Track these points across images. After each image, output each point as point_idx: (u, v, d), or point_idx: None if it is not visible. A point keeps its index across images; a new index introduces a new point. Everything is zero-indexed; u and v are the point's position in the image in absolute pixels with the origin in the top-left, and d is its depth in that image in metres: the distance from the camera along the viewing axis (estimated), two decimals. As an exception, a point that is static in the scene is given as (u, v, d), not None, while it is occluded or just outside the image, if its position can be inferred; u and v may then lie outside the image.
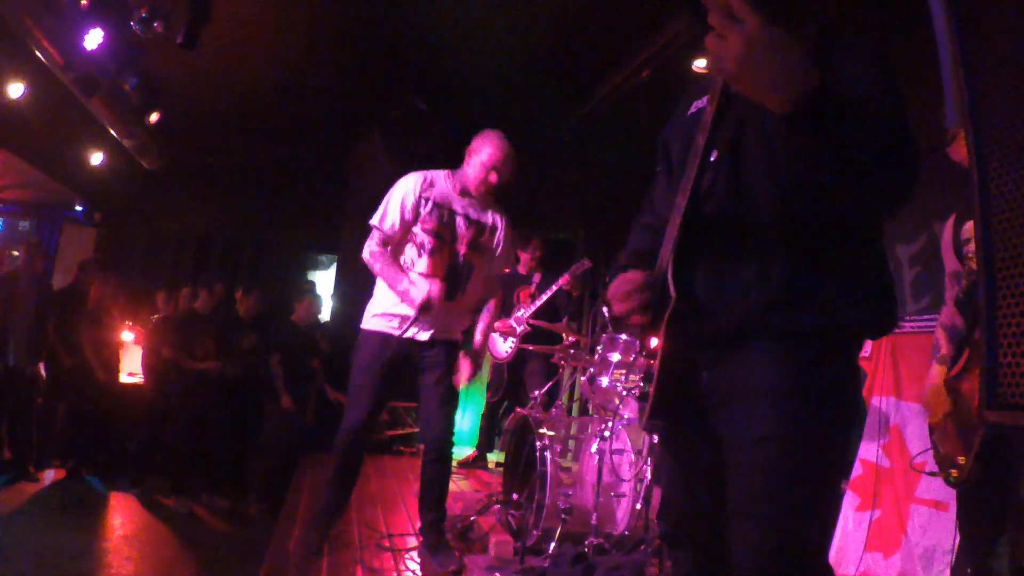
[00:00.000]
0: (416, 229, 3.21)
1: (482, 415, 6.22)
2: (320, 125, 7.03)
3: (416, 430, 6.20)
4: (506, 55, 5.37)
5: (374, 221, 3.23)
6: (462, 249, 3.26)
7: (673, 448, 1.59)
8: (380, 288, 3.28)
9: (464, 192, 3.28)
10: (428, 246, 3.20)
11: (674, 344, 1.35)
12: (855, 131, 1.13)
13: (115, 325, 6.35)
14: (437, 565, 3.13)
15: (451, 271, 3.23)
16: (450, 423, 3.30)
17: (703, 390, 1.40)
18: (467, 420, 7.15)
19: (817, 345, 1.31)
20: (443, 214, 3.22)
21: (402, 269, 3.21)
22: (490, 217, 3.33)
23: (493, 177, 3.18)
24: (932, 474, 2.85)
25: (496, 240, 3.35)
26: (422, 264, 3.21)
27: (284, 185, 7.64)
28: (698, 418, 1.41)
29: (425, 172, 3.28)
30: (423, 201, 3.20)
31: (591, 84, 5.96)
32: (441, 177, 3.29)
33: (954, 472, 2.49)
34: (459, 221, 3.26)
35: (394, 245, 3.23)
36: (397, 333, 3.16)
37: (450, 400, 3.29)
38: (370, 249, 3.21)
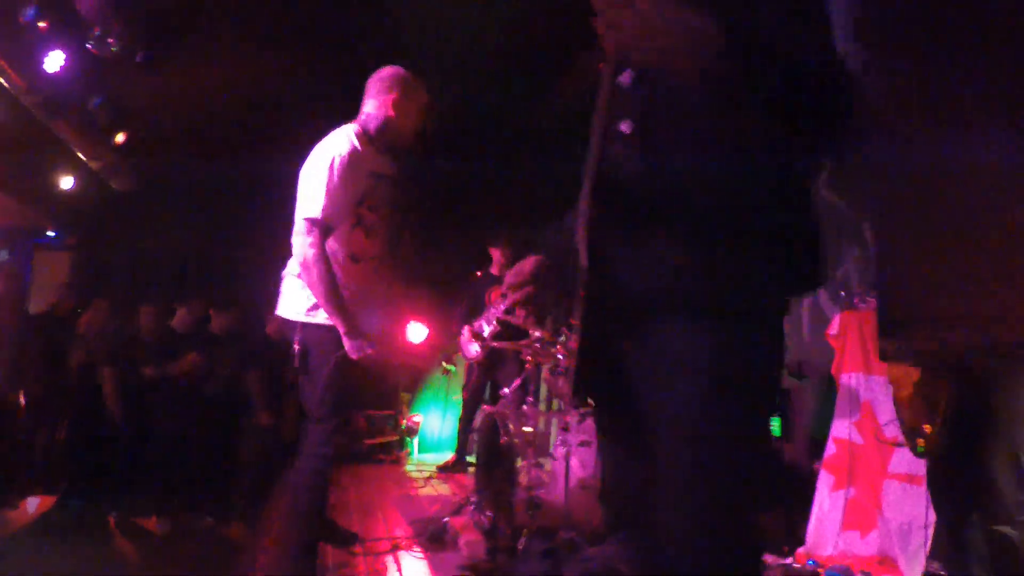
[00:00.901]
0: (360, 210, 2.69)
1: (460, 419, 6.10)
2: (290, 137, 6.99)
3: (395, 438, 6.14)
4: (479, 50, 5.32)
5: (314, 213, 2.54)
6: (392, 216, 2.79)
7: (605, 427, 1.56)
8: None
9: (382, 147, 2.76)
10: (374, 227, 2.72)
11: (590, 317, 1.32)
12: (773, 78, 1.11)
13: (106, 351, 6.29)
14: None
15: (391, 247, 2.81)
16: None
17: (627, 364, 1.35)
18: (447, 425, 7.08)
19: (737, 311, 1.26)
20: (378, 183, 2.72)
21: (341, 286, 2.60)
22: (397, 166, 2.84)
23: (425, 121, 2.71)
24: (900, 444, 2.80)
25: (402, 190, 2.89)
26: (372, 249, 2.74)
27: (258, 200, 7.60)
28: (624, 394, 1.36)
29: (346, 137, 2.69)
30: (366, 176, 2.66)
31: (556, 80, 5.92)
32: (356, 137, 2.70)
33: (920, 441, 2.45)
34: (386, 185, 2.76)
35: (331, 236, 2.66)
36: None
37: None
38: (314, 251, 2.53)
